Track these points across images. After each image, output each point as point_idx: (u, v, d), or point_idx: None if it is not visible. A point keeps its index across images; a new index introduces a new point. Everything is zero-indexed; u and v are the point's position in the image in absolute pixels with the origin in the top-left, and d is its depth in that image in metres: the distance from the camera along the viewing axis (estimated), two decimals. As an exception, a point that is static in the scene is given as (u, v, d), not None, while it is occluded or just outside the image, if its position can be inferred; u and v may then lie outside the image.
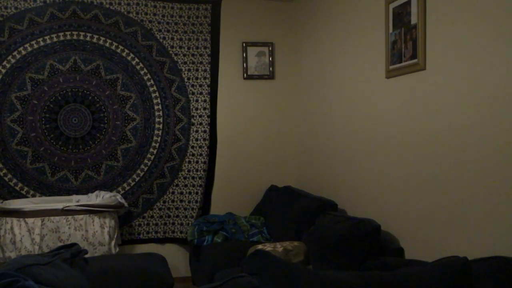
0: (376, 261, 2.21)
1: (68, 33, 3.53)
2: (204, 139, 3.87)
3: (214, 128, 3.93)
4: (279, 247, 2.64)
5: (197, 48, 3.83)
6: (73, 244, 2.39)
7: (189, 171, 3.85)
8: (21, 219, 3.03)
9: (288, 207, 3.28)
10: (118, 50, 3.65)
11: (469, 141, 1.95)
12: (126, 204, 3.43)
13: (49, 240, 3.05)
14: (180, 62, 3.79)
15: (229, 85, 3.96)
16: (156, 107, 3.76)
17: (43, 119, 3.53)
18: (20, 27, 3.42)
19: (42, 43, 3.48)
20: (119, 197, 3.38)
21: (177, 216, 3.84)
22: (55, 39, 3.50)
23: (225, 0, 3.89)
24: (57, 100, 3.55)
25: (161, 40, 3.74)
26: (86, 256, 2.61)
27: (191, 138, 3.85)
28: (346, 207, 3.10)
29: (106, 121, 3.66)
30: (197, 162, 3.86)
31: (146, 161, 3.76)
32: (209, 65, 3.87)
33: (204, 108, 3.87)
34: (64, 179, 3.59)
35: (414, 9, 2.25)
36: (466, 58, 1.95)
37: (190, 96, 3.84)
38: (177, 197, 3.85)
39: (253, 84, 4.03)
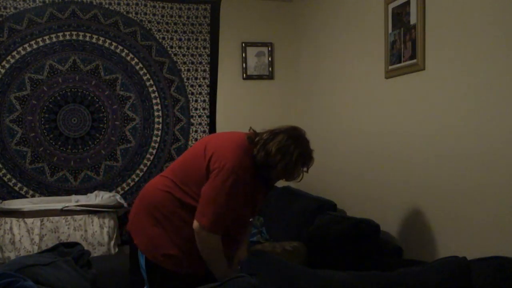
0: (375, 261, 2.21)
1: (67, 33, 3.52)
2: (204, 139, 3.86)
3: (214, 128, 3.92)
4: (278, 247, 2.63)
5: (196, 48, 3.83)
6: (76, 244, 2.39)
7: (188, 171, 3.84)
8: (20, 219, 3.03)
9: (287, 207, 3.28)
10: (118, 50, 3.65)
11: (469, 141, 1.95)
12: (125, 204, 3.43)
13: (48, 240, 3.04)
14: (179, 62, 3.79)
15: (228, 85, 3.96)
16: (155, 107, 3.75)
17: (42, 119, 3.52)
18: (19, 27, 3.42)
19: (41, 43, 3.47)
20: (118, 197, 3.38)
21: (177, 216, 3.84)
22: (54, 39, 3.50)
23: (224, 0, 3.89)
24: (56, 100, 3.54)
25: (160, 40, 3.74)
26: (86, 256, 2.60)
27: (190, 138, 3.85)
28: (345, 207, 3.10)
29: (105, 121, 3.66)
30: (196, 162, 3.85)
31: (145, 161, 3.76)
32: (208, 65, 3.87)
33: (204, 108, 3.87)
34: (63, 179, 3.58)
35: (413, 9, 2.25)
36: (465, 58, 1.96)
37: (189, 96, 3.84)
38: (177, 197, 3.84)
39: (253, 84, 4.03)
